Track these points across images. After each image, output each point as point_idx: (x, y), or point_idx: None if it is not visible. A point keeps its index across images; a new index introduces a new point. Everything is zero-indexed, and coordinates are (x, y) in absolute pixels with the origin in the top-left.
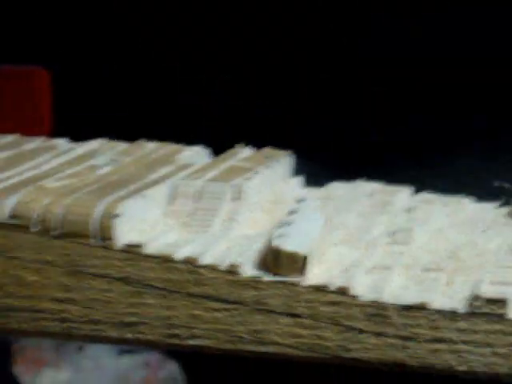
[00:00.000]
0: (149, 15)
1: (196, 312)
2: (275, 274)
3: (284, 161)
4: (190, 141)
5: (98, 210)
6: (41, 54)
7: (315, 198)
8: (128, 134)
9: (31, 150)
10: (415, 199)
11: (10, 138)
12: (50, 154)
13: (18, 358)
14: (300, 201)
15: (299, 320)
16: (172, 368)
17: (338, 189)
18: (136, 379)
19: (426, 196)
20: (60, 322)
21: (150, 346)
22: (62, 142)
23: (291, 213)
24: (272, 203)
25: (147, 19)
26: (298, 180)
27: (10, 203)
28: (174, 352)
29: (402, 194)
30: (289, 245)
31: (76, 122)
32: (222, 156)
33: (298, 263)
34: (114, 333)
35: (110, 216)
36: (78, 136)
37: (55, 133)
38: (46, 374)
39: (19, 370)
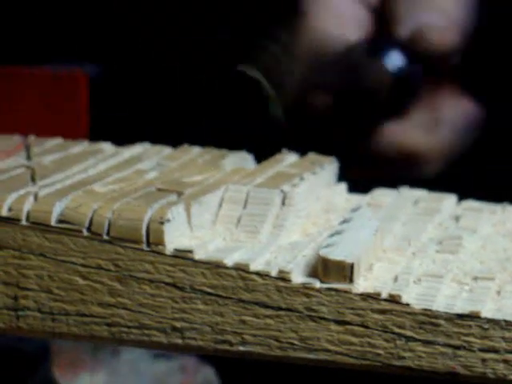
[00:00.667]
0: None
1: (246, 318)
2: (324, 282)
3: (329, 167)
4: (229, 146)
5: (148, 214)
6: (79, 55)
7: (364, 204)
8: (162, 137)
9: (77, 153)
10: (461, 207)
11: (54, 142)
12: (96, 158)
13: (56, 360)
14: (354, 209)
15: (350, 327)
16: (208, 373)
17: (383, 196)
18: (172, 383)
19: (472, 204)
20: (109, 326)
21: (199, 351)
22: (106, 146)
23: (344, 221)
24: (318, 210)
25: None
26: (343, 186)
27: (60, 207)
28: (209, 357)
29: (448, 202)
30: (337, 253)
31: (111, 125)
32: (268, 162)
33: (345, 271)
34: (163, 338)
35: (160, 221)
36: (114, 139)
37: (91, 135)
38: (83, 378)
39: (57, 372)
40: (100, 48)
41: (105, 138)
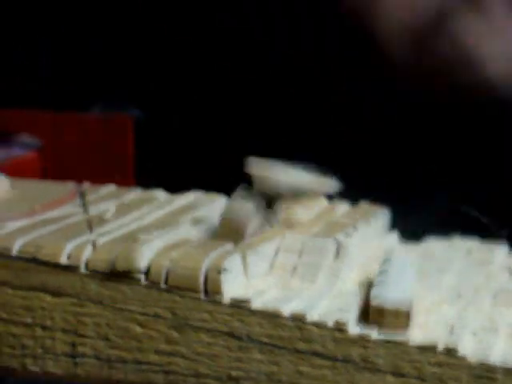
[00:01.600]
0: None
1: (302, 368)
2: (379, 331)
3: (381, 216)
4: None
5: (206, 263)
6: (124, 100)
7: (412, 254)
8: (207, 184)
9: (131, 201)
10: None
11: (108, 189)
12: (150, 206)
13: None
14: (389, 257)
15: (406, 380)
16: None
17: (434, 245)
18: None
19: None
20: (165, 374)
21: None
22: (159, 194)
23: (384, 269)
24: (369, 259)
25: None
26: (395, 235)
27: (117, 255)
28: None
29: (500, 252)
30: (391, 302)
31: (158, 168)
32: (320, 211)
33: (401, 318)
34: None
35: (218, 270)
36: (161, 183)
37: (138, 179)
38: None
39: None
40: (145, 92)
41: (151, 182)
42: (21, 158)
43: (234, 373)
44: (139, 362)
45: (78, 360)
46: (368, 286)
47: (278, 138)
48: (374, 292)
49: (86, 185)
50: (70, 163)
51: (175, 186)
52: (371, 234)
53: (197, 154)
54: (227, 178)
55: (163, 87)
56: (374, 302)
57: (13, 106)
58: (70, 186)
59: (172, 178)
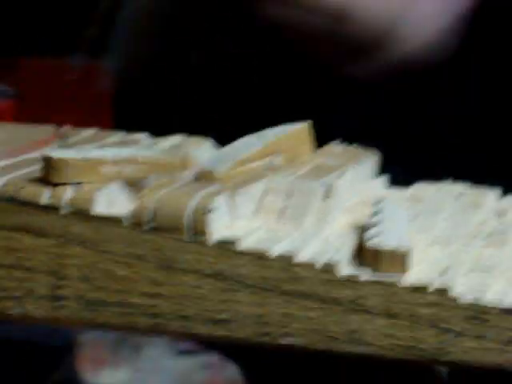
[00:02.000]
0: None
1: (289, 311)
2: (375, 272)
3: (370, 160)
4: None
5: (192, 204)
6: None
7: (402, 198)
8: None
9: (114, 143)
10: (505, 201)
11: (90, 132)
12: (136, 147)
13: (80, 355)
14: (380, 201)
15: (396, 321)
16: (232, 370)
17: (423, 190)
18: (196, 380)
19: None
20: (149, 317)
21: (240, 343)
22: (143, 137)
23: (376, 212)
24: (356, 203)
25: None
26: (383, 180)
27: (102, 196)
28: (232, 353)
29: (491, 196)
30: (388, 243)
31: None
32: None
33: (399, 261)
34: (203, 330)
35: (204, 210)
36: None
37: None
38: (106, 373)
39: (81, 367)
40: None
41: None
42: None
43: (220, 315)
44: (122, 305)
45: (59, 303)
46: (360, 228)
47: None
48: (368, 234)
49: (67, 127)
50: (47, 111)
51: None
52: (360, 177)
53: (175, 103)
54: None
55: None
56: (369, 244)
57: None
58: (50, 128)
59: (152, 125)
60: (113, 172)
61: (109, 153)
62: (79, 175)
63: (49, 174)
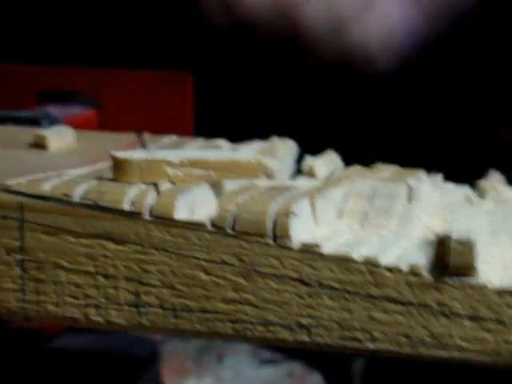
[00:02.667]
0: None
1: (376, 314)
2: (451, 274)
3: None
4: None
5: (273, 207)
6: (184, 58)
7: (491, 201)
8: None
9: (192, 147)
10: None
11: (169, 139)
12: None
13: (163, 364)
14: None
15: (484, 323)
16: (316, 379)
17: (508, 191)
18: None
19: None
20: (233, 323)
21: (326, 349)
22: (223, 143)
23: (456, 216)
24: (439, 206)
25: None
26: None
27: (183, 202)
28: (317, 363)
29: None
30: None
31: (215, 126)
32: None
33: (469, 260)
34: (288, 335)
35: (286, 214)
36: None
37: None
38: (189, 383)
39: (164, 376)
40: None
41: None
42: (79, 116)
43: (304, 320)
44: (205, 311)
45: (141, 309)
46: (440, 232)
47: None
48: (453, 237)
49: (147, 135)
50: (129, 121)
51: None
52: (439, 181)
53: (254, 109)
54: (289, 133)
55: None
56: (452, 246)
57: (72, 65)
58: (131, 136)
59: (231, 134)
60: (180, 173)
61: (176, 154)
62: (144, 175)
63: (115, 174)
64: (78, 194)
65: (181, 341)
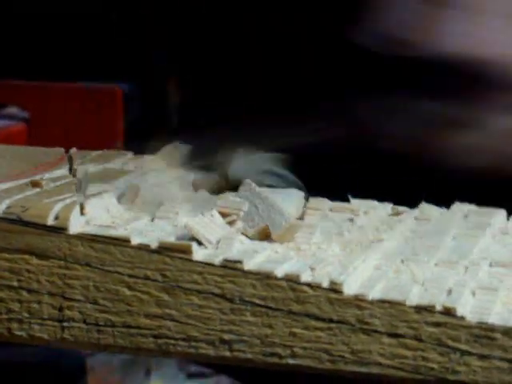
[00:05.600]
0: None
1: (297, 330)
2: None
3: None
4: None
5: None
6: (112, 72)
7: (411, 217)
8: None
9: (120, 164)
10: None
11: (97, 153)
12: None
13: (90, 377)
14: None
15: (403, 340)
16: None
17: (431, 210)
18: None
19: None
20: (156, 338)
21: (248, 364)
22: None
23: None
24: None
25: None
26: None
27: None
28: (244, 377)
29: (498, 216)
30: None
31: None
32: None
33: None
34: (211, 350)
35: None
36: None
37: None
38: None
39: None
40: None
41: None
42: (8, 129)
43: (226, 336)
44: (129, 326)
45: (65, 324)
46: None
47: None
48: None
49: (74, 150)
50: (59, 135)
51: None
52: None
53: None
54: (217, 149)
55: (151, 60)
56: None
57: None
58: (58, 150)
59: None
60: None
61: None
62: None
63: None
64: (0, 208)
65: (109, 355)
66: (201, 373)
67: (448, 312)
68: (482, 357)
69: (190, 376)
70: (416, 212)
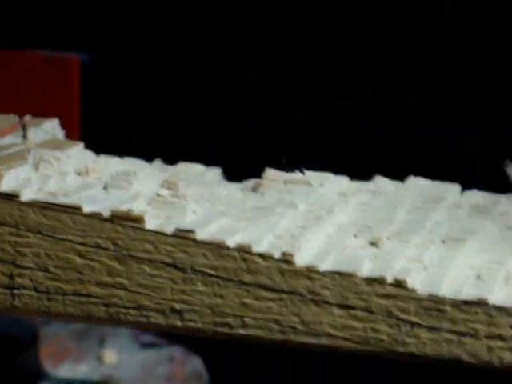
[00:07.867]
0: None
1: (248, 301)
2: None
3: None
4: None
5: None
6: (73, 41)
7: (366, 191)
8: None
9: None
10: (465, 197)
11: (49, 123)
12: None
13: (43, 346)
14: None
15: (353, 312)
16: (196, 363)
17: (386, 183)
18: (160, 373)
19: (475, 194)
20: (106, 306)
21: (199, 334)
22: None
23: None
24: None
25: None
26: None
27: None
28: (197, 347)
29: (452, 191)
30: None
31: (103, 109)
32: None
33: None
34: (161, 320)
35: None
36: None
37: (83, 119)
38: (68, 366)
39: (43, 358)
40: (94, 37)
41: (96, 122)
42: None
43: (177, 305)
44: (79, 294)
45: (15, 292)
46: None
47: None
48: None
49: (28, 117)
50: (13, 102)
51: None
52: None
53: (141, 101)
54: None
55: (112, 32)
56: None
57: None
58: (11, 118)
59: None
60: None
61: None
62: None
63: None
64: None
65: (62, 323)
66: (154, 343)
67: (399, 284)
68: (431, 329)
69: (144, 346)
70: (370, 185)
